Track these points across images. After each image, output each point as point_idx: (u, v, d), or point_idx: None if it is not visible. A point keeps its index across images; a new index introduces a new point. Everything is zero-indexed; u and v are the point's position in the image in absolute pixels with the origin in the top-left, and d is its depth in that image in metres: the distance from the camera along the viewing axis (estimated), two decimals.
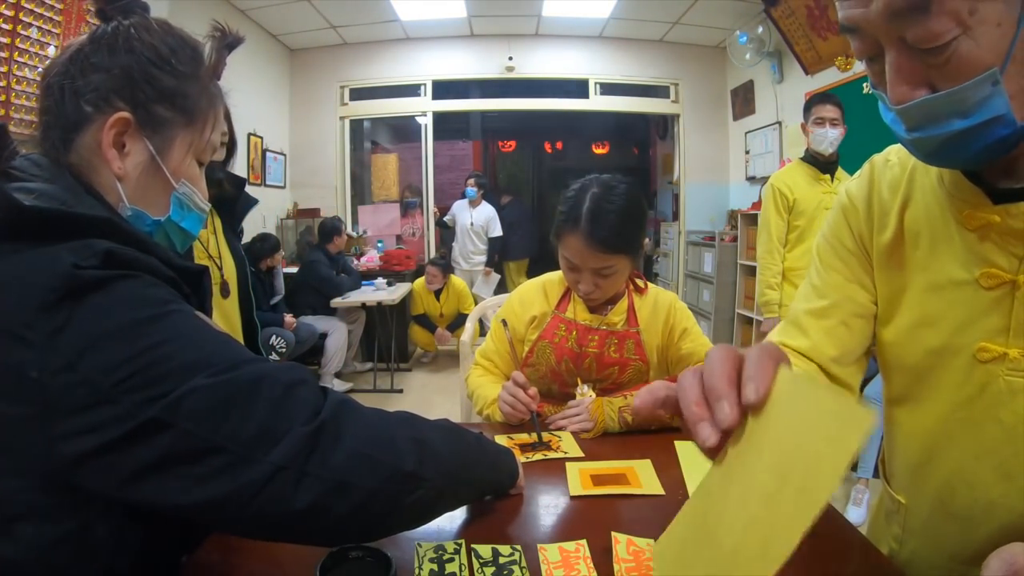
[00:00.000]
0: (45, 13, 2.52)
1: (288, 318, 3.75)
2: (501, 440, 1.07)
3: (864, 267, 0.74)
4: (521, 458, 1.01)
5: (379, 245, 5.40)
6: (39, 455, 0.48)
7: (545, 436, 1.12)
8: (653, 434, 1.13)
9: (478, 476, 0.74)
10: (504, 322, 1.30)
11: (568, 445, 1.08)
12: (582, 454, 1.04)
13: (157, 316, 0.51)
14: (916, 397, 0.70)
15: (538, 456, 1.03)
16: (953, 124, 0.51)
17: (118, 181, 0.62)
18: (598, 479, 0.94)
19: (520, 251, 6.02)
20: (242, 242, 1.60)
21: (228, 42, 0.70)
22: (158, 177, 0.64)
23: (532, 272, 5.93)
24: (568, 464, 0.99)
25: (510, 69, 5.22)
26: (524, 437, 1.11)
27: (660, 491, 0.91)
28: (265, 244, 3.76)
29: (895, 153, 0.73)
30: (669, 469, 0.98)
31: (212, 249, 1.40)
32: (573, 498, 0.89)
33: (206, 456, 0.49)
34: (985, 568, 0.56)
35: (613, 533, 0.75)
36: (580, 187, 1.21)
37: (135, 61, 0.61)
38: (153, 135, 0.63)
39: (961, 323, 0.63)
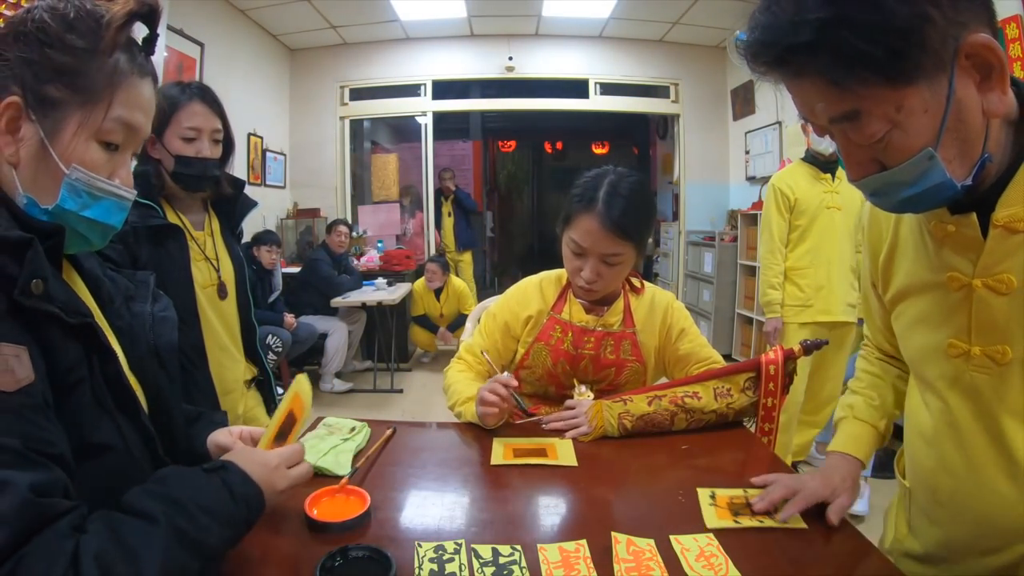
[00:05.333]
0: None
1: (288, 318, 3.75)
2: (498, 447, 1.06)
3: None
4: (517, 461, 1.00)
5: (379, 245, 5.40)
6: None
7: (542, 443, 1.08)
8: (653, 436, 1.12)
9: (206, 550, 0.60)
10: (484, 352, 1.30)
11: (564, 453, 1.04)
12: (575, 464, 1.00)
13: None
14: (916, 387, 0.79)
15: (533, 461, 1.01)
16: (903, 192, 0.60)
17: (13, 168, 0.59)
18: (519, 452, 1.04)
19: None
20: (242, 243, 1.59)
21: (133, 9, 0.63)
22: (49, 162, 0.60)
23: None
24: (495, 439, 1.08)
25: (510, 69, 5.21)
26: (523, 443, 1.09)
27: (574, 463, 0.99)
28: (266, 234, 3.78)
29: None
30: (670, 469, 0.98)
31: (209, 251, 1.38)
32: (494, 467, 0.99)
33: None
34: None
35: (613, 533, 0.75)
36: (597, 173, 1.21)
37: (27, 41, 0.58)
38: (43, 118, 0.59)
39: (938, 322, 0.71)
